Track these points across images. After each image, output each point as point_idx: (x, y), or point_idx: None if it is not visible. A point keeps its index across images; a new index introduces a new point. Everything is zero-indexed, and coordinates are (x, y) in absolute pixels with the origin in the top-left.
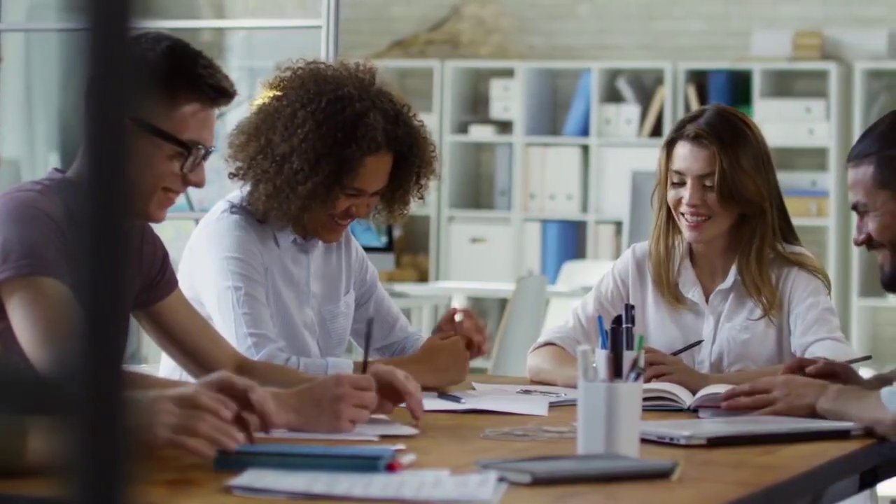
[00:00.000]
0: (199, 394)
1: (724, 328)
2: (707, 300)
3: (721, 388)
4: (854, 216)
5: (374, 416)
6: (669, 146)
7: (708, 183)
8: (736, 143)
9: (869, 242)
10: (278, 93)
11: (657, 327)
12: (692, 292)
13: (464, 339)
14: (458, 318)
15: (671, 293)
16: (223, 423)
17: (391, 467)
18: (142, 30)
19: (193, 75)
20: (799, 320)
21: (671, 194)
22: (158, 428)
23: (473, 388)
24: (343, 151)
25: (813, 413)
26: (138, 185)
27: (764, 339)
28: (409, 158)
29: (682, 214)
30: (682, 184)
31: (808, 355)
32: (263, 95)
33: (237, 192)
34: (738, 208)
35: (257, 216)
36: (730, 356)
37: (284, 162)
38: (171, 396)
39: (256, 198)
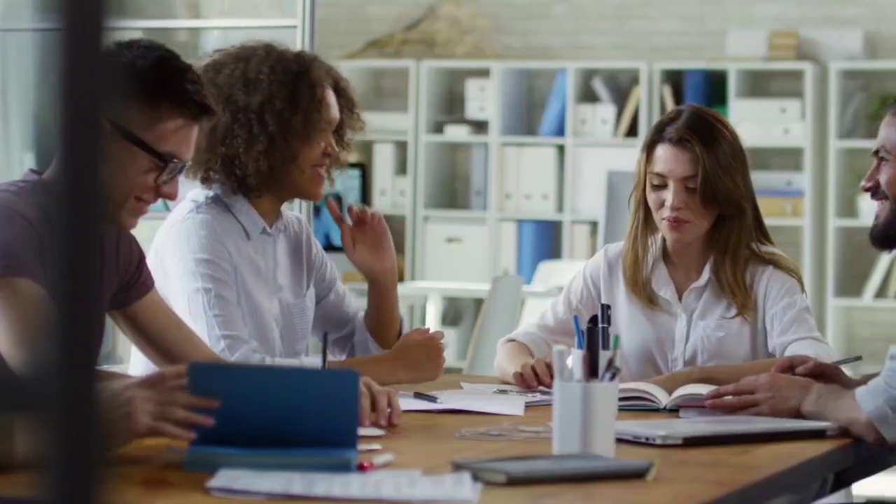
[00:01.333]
0: (162, 372)
1: (698, 326)
2: (680, 298)
3: (701, 389)
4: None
5: None
6: (649, 149)
7: (690, 185)
8: (716, 144)
9: (875, 190)
10: (207, 72)
11: (630, 326)
12: (664, 290)
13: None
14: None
15: (644, 292)
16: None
17: (362, 467)
18: (135, 37)
19: (180, 90)
20: (776, 320)
21: (652, 197)
22: (139, 415)
23: (461, 387)
24: (308, 77)
25: (797, 415)
26: (112, 192)
27: (739, 337)
28: (341, 93)
29: (664, 217)
30: (663, 186)
31: (788, 353)
32: None
33: (198, 189)
34: (719, 209)
35: (253, 188)
36: (704, 354)
37: (264, 110)
38: (138, 382)
39: (254, 167)
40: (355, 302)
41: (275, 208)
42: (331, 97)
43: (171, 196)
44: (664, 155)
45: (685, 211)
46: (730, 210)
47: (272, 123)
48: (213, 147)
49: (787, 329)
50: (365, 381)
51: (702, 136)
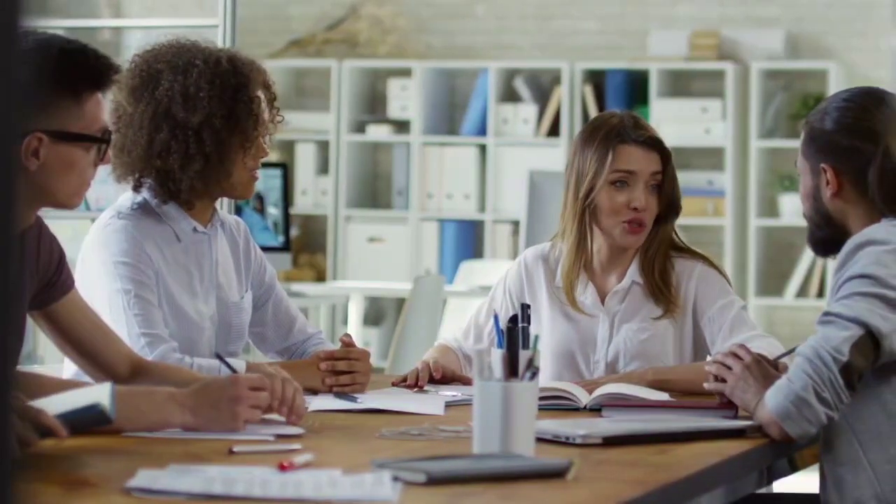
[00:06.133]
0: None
1: (621, 329)
2: (602, 302)
3: (623, 388)
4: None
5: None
6: (613, 150)
7: (653, 182)
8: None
9: None
10: (145, 80)
11: (552, 329)
12: (585, 295)
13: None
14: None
15: (569, 296)
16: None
17: (282, 467)
18: (28, 39)
19: (93, 71)
20: (714, 323)
21: (614, 199)
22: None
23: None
24: (247, 91)
25: (748, 410)
26: (69, 189)
27: (663, 338)
28: (268, 91)
29: (626, 219)
30: (624, 186)
31: None
32: (129, 91)
33: (128, 194)
34: (661, 210)
35: (186, 201)
36: (626, 356)
37: (202, 129)
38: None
39: (188, 185)
40: (295, 310)
41: (207, 207)
42: (263, 103)
43: (108, 160)
44: (635, 154)
45: (647, 213)
46: (671, 212)
47: (210, 143)
48: (148, 159)
49: (732, 329)
50: (276, 369)
51: (661, 138)
